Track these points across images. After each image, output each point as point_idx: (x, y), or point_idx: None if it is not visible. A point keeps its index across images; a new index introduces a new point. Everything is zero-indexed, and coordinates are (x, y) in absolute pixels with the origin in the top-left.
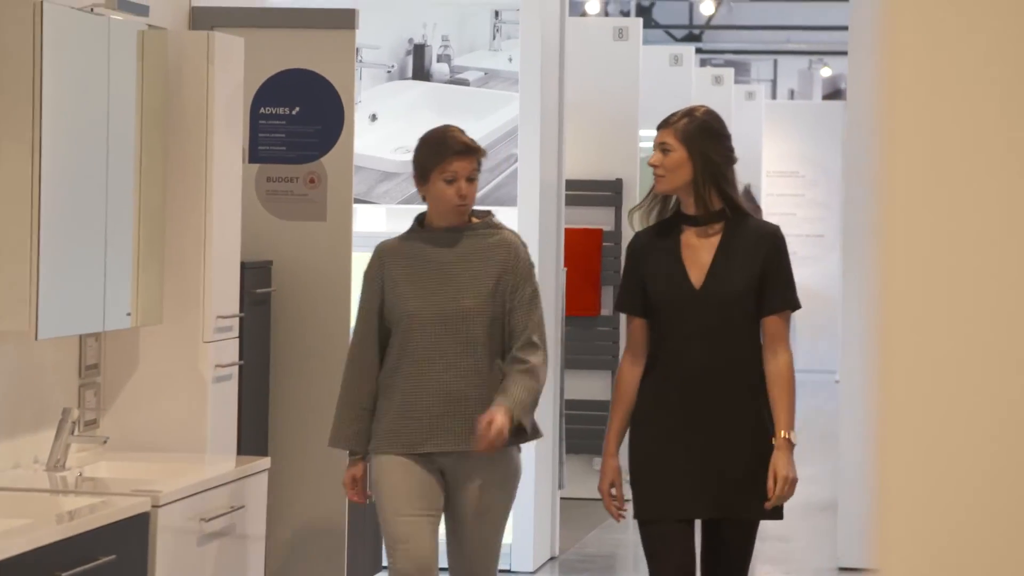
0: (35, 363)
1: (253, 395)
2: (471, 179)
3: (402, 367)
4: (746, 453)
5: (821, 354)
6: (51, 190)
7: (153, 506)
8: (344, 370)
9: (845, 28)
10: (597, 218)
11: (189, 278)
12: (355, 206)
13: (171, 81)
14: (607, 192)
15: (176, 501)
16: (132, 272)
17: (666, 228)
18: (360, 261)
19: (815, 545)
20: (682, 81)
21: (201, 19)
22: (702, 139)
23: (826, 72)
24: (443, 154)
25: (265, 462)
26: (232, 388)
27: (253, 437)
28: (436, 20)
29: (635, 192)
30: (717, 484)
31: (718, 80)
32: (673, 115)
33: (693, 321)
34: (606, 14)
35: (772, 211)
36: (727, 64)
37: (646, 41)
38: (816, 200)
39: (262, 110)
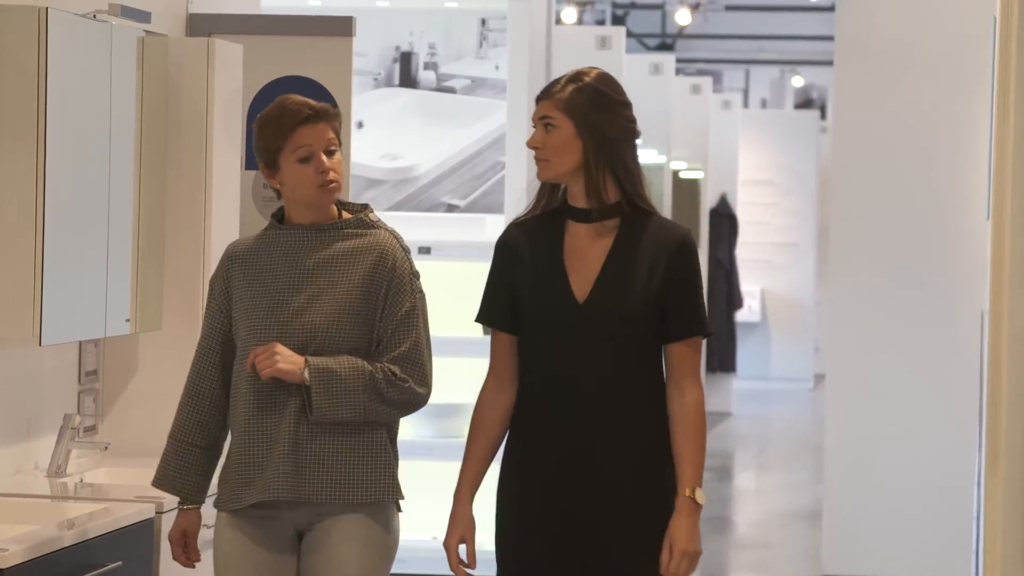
0: (35, 369)
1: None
2: (331, 151)
3: (240, 401)
4: (641, 515)
5: (795, 362)
6: (55, 195)
7: (157, 512)
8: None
9: (818, 38)
10: None
11: (188, 284)
12: None
13: (171, 87)
14: None
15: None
16: (132, 278)
17: (547, 222)
18: None
19: (797, 553)
20: (662, 90)
21: (199, 26)
22: (594, 110)
23: (798, 82)
24: (287, 126)
25: None
26: None
27: None
28: (423, 28)
29: None
30: (599, 552)
31: (696, 89)
32: (556, 82)
33: (575, 344)
34: (581, 23)
35: (748, 219)
36: (700, 73)
37: (626, 50)
38: (790, 208)
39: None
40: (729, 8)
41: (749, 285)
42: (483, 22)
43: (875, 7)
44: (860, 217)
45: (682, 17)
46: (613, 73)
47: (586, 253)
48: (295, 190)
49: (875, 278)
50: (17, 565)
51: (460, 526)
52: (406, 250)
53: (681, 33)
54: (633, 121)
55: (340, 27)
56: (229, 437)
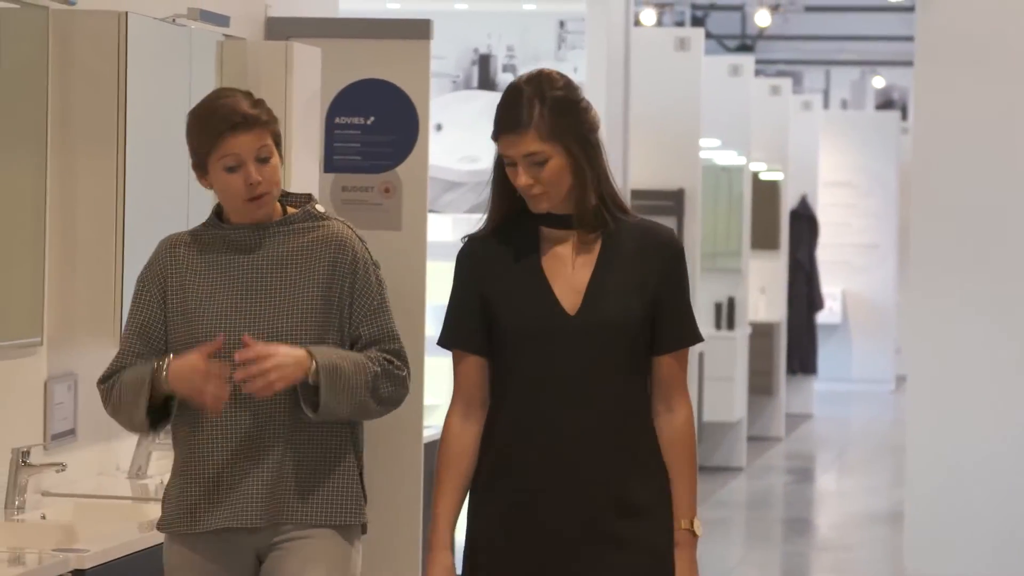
0: None
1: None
2: (263, 158)
3: (190, 413)
4: (636, 554)
5: (876, 364)
6: (134, 200)
7: None
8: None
9: (899, 38)
10: None
11: None
12: None
13: (249, 90)
14: (669, 202)
15: None
16: None
17: (514, 230)
18: (433, 270)
19: (878, 555)
20: (741, 91)
21: (277, 30)
22: (573, 122)
23: (879, 82)
24: (215, 132)
25: None
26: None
27: None
28: (501, 30)
29: (697, 202)
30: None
31: (775, 90)
32: (516, 110)
33: (562, 361)
34: (660, 24)
35: (828, 221)
36: (780, 74)
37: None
38: (870, 210)
39: (337, 120)
40: (809, 9)
41: (830, 287)
42: (561, 24)
43: (955, 6)
44: (941, 218)
45: (762, 18)
46: (692, 75)
47: (569, 262)
48: (223, 198)
49: (956, 279)
50: (97, 566)
51: (440, 574)
52: (362, 240)
53: (761, 34)
54: (592, 106)
55: (418, 30)
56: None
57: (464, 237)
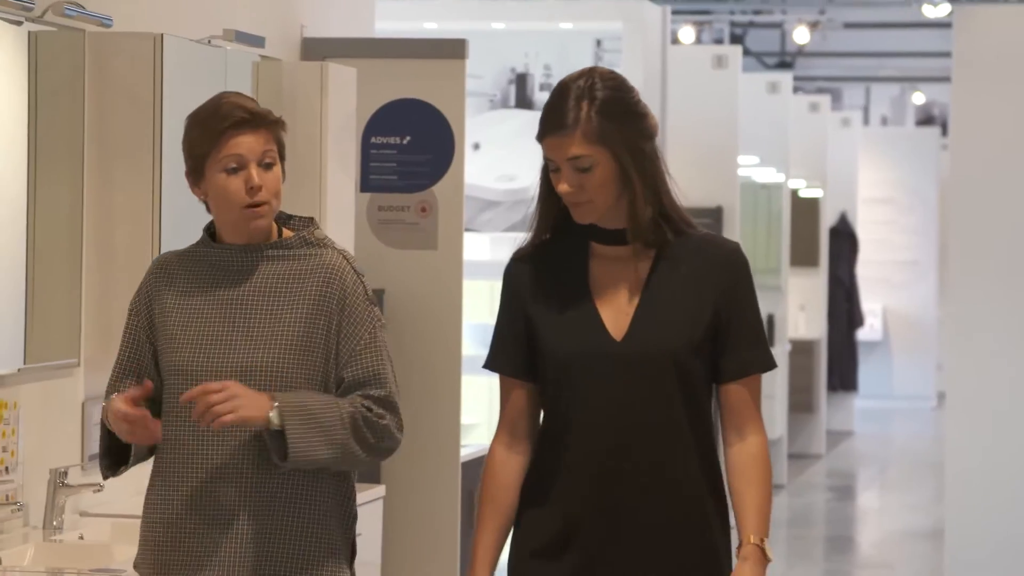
0: None
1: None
2: (268, 164)
3: (165, 453)
4: None
5: (917, 380)
6: (170, 220)
7: None
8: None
9: (939, 54)
10: None
11: None
12: None
13: (285, 111)
14: (707, 220)
15: None
16: None
17: (562, 247)
18: (470, 289)
19: (919, 573)
20: (779, 108)
21: (313, 50)
22: (624, 125)
23: (919, 98)
24: (216, 130)
25: (379, 490)
26: None
27: (368, 465)
28: (538, 49)
29: (735, 219)
30: None
31: (814, 107)
32: (563, 107)
33: (609, 391)
34: (699, 42)
35: (868, 237)
36: (820, 91)
37: (742, 69)
38: (910, 226)
39: (373, 139)
40: (848, 26)
41: (870, 303)
42: (598, 42)
43: (992, 22)
44: (981, 234)
45: (800, 35)
46: (730, 92)
47: (618, 283)
48: (218, 206)
49: (996, 295)
50: None
51: None
52: (359, 273)
53: (801, 51)
54: (650, 113)
55: (453, 49)
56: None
57: (513, 253)
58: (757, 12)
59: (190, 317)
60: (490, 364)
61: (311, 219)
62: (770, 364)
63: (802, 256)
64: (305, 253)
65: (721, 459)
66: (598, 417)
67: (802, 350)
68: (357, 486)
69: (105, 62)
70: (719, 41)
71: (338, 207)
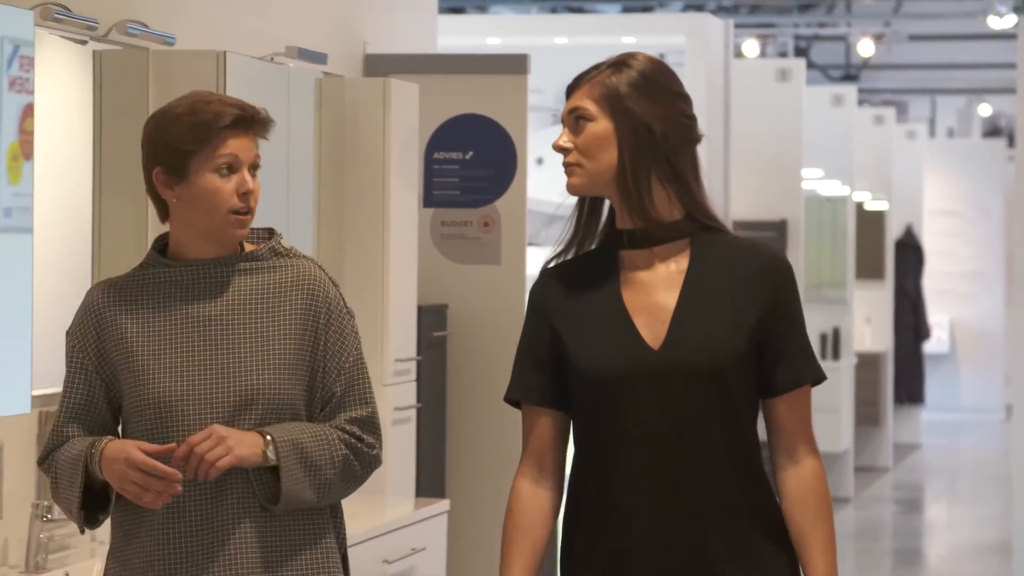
0: None
1: (430, 437)
2: (255, 169)
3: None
4: None
5: (985, 393)
6: None
7: None
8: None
9: (1005, 66)
10: None
11: (368, 322)
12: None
13: (348, 127)
14: (771, 233)
15: (360, 543)
16: None
17: (594, 257)
18: None
19: None
20: (843, 121)
21: (376, 66)
22: (637, 98)
23: (985, 110)
24: (211, 127)
25: (444, 504)
26: (410, 431)
27: (431, 479)
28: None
29: (800, 232)
30: None
31: (879, 120)
32: (594, 67)
33: (648, 408)
34: (764, 55)
35: (933, 249)
36: (885, 103)
37: (806, 82)
38: (976, 238)
39: (436, 155)
40: (913, 38)
41: (937, 316)
42: (660, 56)
43: None
44: None
45: (864, 48)
46: (794, 105)
47: (652, 287)
48: (199, 210)
49: None
50: None
51: None
52: (335, 283)
53: (867, 64)
54: (691, 119)
55: (515, 65)
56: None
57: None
58: (822, 25)
59: (160, 343)
60: (512, 393)
61: (271, 229)
62: (820, 375)
63: (868, 269)
64: (278, 264)
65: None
66: (639, 437)
67: (868, 363)
68: (424, 500)
69: (168, 80)
70: (783, 54)
71: (401, 222)
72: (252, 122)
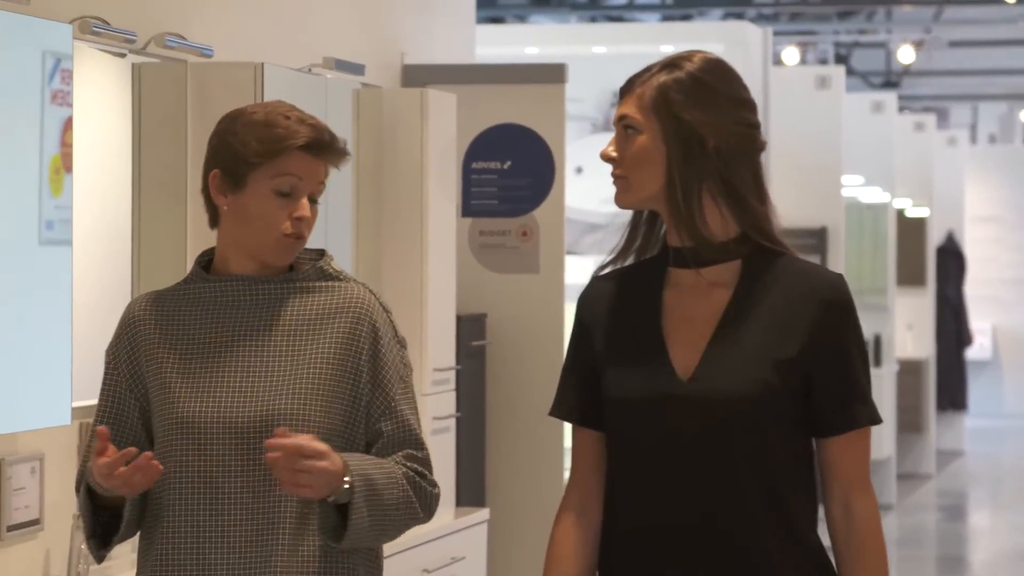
0: None
1: (470, 446)
2: (315, 197)
3: (165, 516)
4: None
5: None
6: None
7: None
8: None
9: None
10: None
11: (407, 332)
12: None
13: (386, 138)
14: (812, 240)
15: (399, 552)
16: None
17: (644, 271)
18: (572, 314)
19: None
20: (883, 128)
21: (413, 77)
22: (689, 106)
23: None
24: (284, 142)
25: (484, 513)
26: (449, 440)
27: (471, 488)
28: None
29: (840, 239)
30: None
31: (919, 126)
32: (646, 70)
33: (672, 444)
34: (804, 62)
35: (975, 256)
36: (926, 110)
37: (847, 89)
38: (1018, 244)
39: (474, 164)
40: (953, 44)
41: (980, 322)
42: None
43: None
44: None
45: (905, 55)
46: (833, 112)
47: (694, 312)
48: (248, 225)
49: None
50: None
51: None
52: (387, 310)
53: (907, 71)
54: (753, 126)
55: (553, 74)
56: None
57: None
58: (862, 32)
59: (192, 361)
60: (555, 411)
61: (322, 250)
62: (874, 418)
63: (909, 276)
64: (324, 286)
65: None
66: (659, 486)
67: (910, 370)
68: (464, 509)
69: (207, 92)
70: (824, 62)
71: (439, 232)
72: (326, 148)
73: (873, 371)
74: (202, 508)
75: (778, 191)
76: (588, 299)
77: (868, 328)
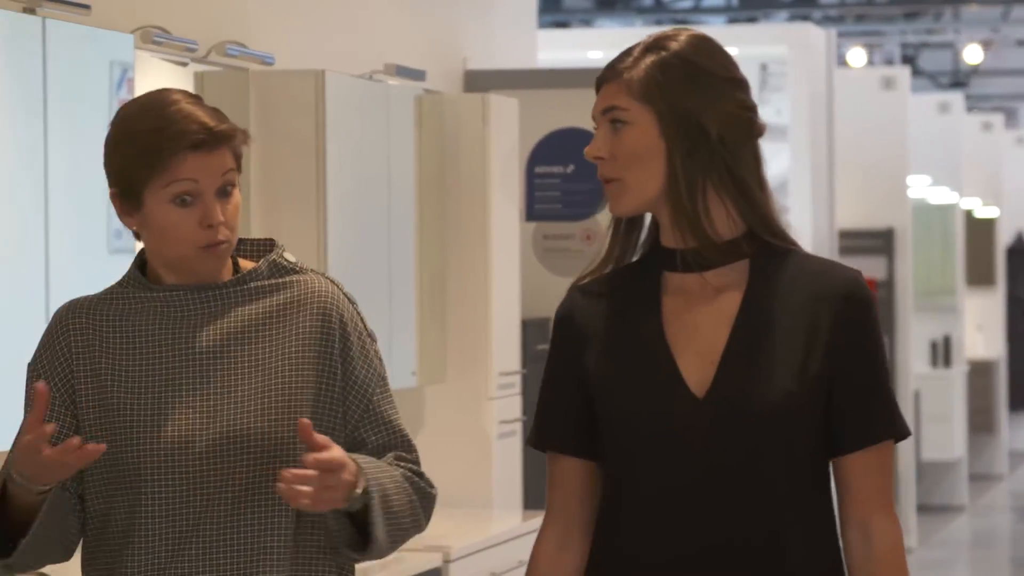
0: None
1: (535, 450)
2: (226, 191)
3: (123, 558)
4: None
5: None
6: (335, 254)
7: (445, 561)
8: None
9: None
10: (869, 268)
11: (471, 336)
12: None
13: (448, 143)
14: (878, 241)
15: (467, 556)
16: (415, 332)
17: (632, 277)
18: None
19: None
20: (951, 128)
21: (476, 82)
22: (686, 92)
23: None
24: (163, 149)
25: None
26: (516, 444)
27: (537, 492)
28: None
29: (907, 240)
30: None
31: (987, 126)
32: (627, 53)
33: (691, 464)
34: (871, 63)
35: None
36: (995, 110)
37: (912, 89)
38: None
39: (537, 169)
40: (1022, 43)
41: None
42: (763, 67)
43: None
44: None
45: (971, 55)
46: (899, 113)
47: (701, 320)
48: (162, 244)
49: None
50: None
51: None
52: (352, 301)
53: (976, 70)
54: (750, 109)
55: None
56: None
57: (572, 283)
58: (929, 32)
59: (140, 379)
60: (534, 439)
61: (271, 241)
62: (902, 430)
63: (978, 276)
64: (280, 283)
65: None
66: (673, 509)
67: (981, 370)
68: (531, 512)
69: (269, 100)
70: (890, 63)
71: (503, 236)
72: (218, 139)
73: (943, 372)
74: (161, 548)
75: (844, 192)
76: (570, 313)
77: (937, 329)
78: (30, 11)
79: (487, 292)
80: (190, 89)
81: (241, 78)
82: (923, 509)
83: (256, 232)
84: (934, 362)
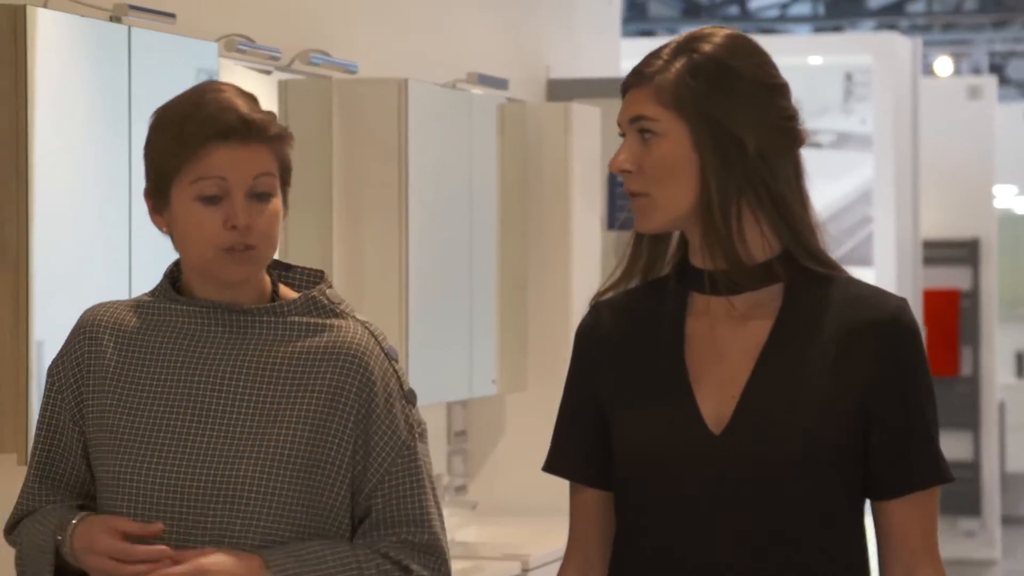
0: None
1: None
2: (261, 194)
3: None
4: None
5: None
6: (417, 261)
7: (523, 570)
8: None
9: None
10: (953, 278)
11: (552, 345)
12: None
13: (530, 152)
14: (963, 251)
15: (546, 564)
16: (496, 340)
17: (657, 295)
18: None
19: None
20: None
21: (558, 91)
22: (722, 102)
23: None
24: (192, 138)
25: None
26: None
27: None
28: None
29: (992, 250)
30: None
31: None
32: (655, 55)
33: (708, 506)
34: (958, 72)
35: None
36: None
37: (999, 99)
38: None
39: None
40: None
41: None
42: (848, 76)
43: None
44: None
45: None
46: (985, 123)
47: (726, 348)
48: (185, 245)
49: None
50: None
51: None
52: (390, 355)
53: None
54: (792, 117)
55: None
56: None
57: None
58: (1017, 40)
59: (142, 399)
60: (552, 464)
61: (320, 272)
62: (943, 473)
63: None
64: (315, 324)
65: None
66: (689, 547)
67: None
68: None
69: (352, 108)
70: (978, 71)
71: (585, 245)
72: (251, 131)
73: None
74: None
75: (929, 203)
76: (590, 329)
77: (1022, 339)
78: (116, 20)
79: (568, 300)
80: (274, 98)
81: (324, 86)
82: (1008, 520)
83: (338, 241)
84: (1019, 372)
